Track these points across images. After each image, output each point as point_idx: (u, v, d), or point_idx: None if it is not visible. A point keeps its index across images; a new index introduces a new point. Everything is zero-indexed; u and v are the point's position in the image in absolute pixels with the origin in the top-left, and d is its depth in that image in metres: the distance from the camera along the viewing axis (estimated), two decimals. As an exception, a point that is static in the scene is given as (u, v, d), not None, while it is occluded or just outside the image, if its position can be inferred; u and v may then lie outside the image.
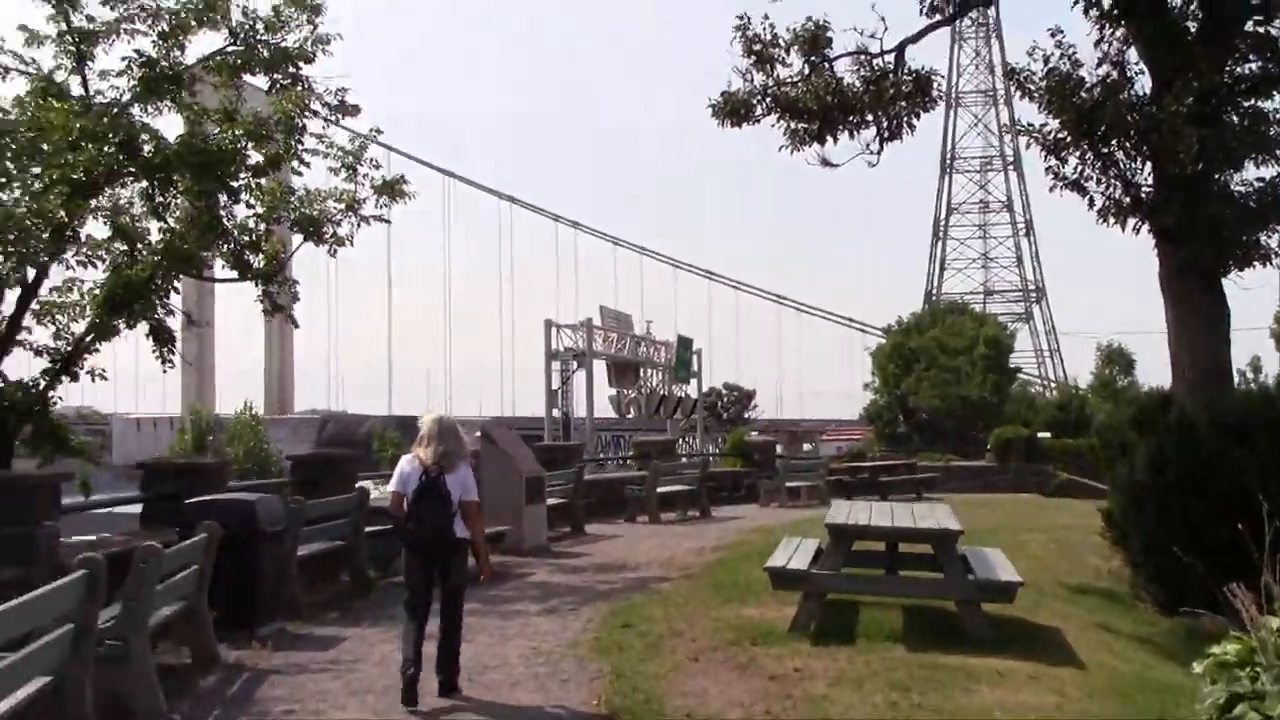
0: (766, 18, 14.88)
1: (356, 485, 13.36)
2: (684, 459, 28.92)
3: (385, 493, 9.37)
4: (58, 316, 13.99)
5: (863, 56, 15.10)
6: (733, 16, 14.94)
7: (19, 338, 13.75)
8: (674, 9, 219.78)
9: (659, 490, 20.47)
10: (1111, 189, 13.76)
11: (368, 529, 11.95)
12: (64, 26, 13.48)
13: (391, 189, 15.15)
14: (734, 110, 14.97)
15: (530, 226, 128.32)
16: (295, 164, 14.78)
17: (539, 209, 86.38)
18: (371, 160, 15.08)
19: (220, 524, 8.42)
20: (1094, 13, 14.02)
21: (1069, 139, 13.60)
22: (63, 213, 12.26)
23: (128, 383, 65.91)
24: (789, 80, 15.02)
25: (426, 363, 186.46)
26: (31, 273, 13.26)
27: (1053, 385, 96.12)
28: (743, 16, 14.83)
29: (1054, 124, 13.72)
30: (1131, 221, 13.77)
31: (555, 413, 50.05)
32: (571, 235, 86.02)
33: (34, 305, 13.66)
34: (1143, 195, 13.67)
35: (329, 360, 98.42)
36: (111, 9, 13.56)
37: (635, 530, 18.63)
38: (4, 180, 12.72)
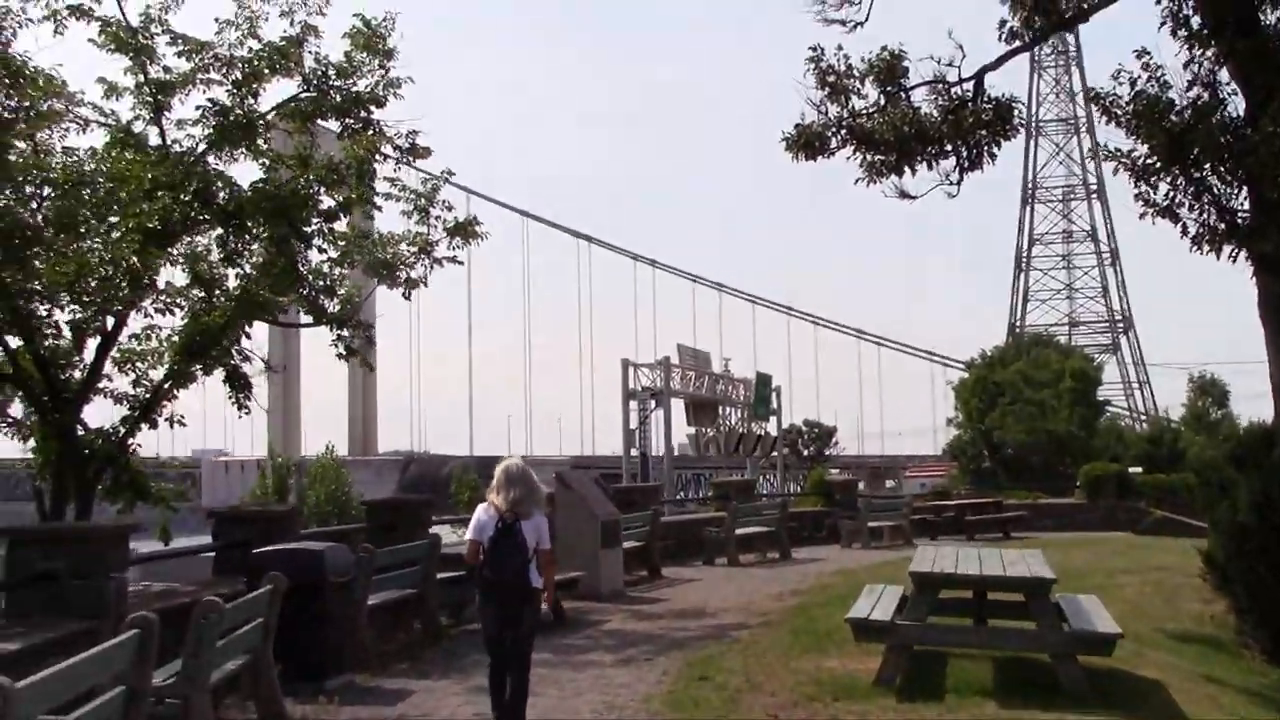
0: (840, 48, 14.62)
1: (429, 531, 13.20)
2: (764, 499, 28.43)
3: (463, 538, 9.21)
4: (137, 364, 14.14)
5: (940, 85, 14.73)
6: (805, 49, 14.69)
7: (99, 385, 13.90)
8: (752, 41, 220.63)
9: (738, 531, 20.05)
10: (1206, 215, 13.18)
11: (440, 575, 11.77)
12: (142, 78, 13.66)
13: (464, 230, 15.09)
14: (808, 143, 14.62)
15: (608, 265, 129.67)
16: (367, 208, 14.81)
17: (616, 247, 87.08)
18: (443, 202, 15.04)
19: (286, 574, 8.23)
20: (1182, 33, 13.48)
21: (1159, 164, 13.07)
22: (136, 260, 12.33)
23: (218, 424, 67.11)
24: (864, 111, 14.69)
25: (507, 402, 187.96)
26: (110, 321, 13.41)
27: (1143, 418, 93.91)
28: (815, 48, 14.53)
29: (1142, 149, 13.21)
30: (1227, 249, 13.17)
31: (633, 452, 49.89)
32: (649, 273, 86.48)
33: (114, 353, 13.82)
34: (1239, 221, 13.08)
35: (412, 401, 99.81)
36: (187, 60, 13.70)
37: (713, 573, 18.24)
38: (83, 230, 12.88)
